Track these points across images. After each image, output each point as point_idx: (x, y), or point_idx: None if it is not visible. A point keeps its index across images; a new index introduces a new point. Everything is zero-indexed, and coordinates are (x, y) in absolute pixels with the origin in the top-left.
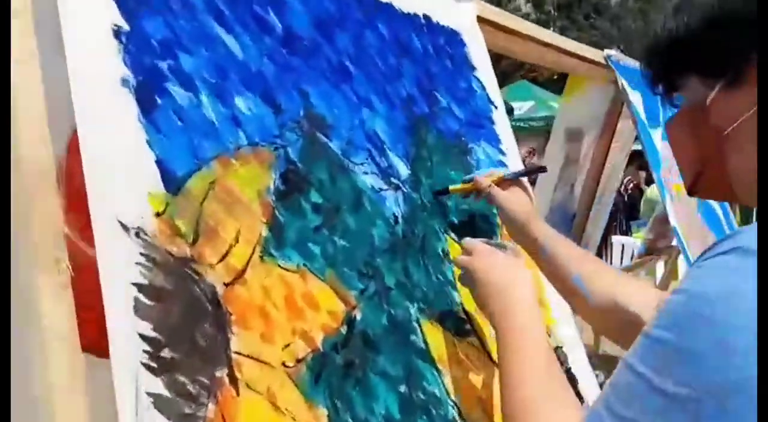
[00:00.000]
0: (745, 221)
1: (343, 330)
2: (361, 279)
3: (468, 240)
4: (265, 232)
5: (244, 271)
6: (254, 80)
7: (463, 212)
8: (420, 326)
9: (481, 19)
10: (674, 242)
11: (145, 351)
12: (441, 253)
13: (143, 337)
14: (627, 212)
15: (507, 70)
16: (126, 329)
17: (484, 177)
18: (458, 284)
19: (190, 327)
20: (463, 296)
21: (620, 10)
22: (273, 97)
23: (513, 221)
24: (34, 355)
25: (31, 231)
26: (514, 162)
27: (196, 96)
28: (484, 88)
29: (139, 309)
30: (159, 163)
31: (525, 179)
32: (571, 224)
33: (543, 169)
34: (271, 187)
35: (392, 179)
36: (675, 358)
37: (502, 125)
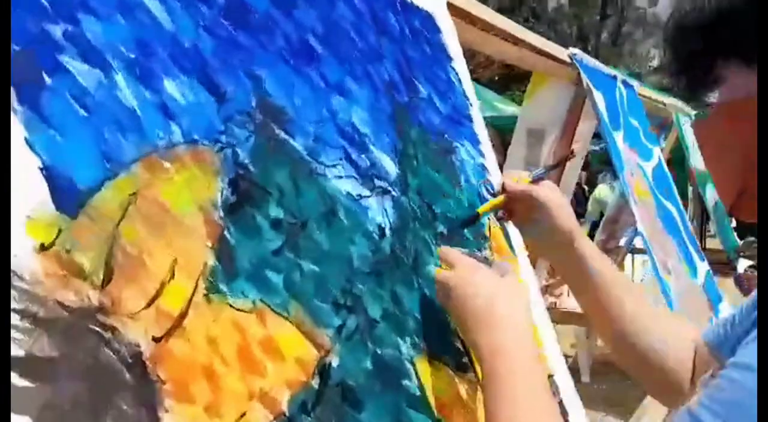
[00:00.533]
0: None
1: (315, 383)
2: (338, 313)
3: (448, 251)
4: (211, 260)
5: (183, 316)
6: (188, 59)
7: (451, 219)
8: (414, 366)
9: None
10: (621, 243)
11: None
12: (434, 272)
13: None
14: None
15: None
16: None
17: (511, 180)
18: None
19: (99, 412)
20: None
21: (556, 15)
22: (214, 82)
23: (555, 230)
24: None
25: None
26: (494, 166)
27: (108, 75)
28: (461, 82)
29: (12, 397)
30: (46, 170)
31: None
32: None
33: (572, 154)
34: (219, 199)
35: (377, 182)
36: None
37: (479, 125)
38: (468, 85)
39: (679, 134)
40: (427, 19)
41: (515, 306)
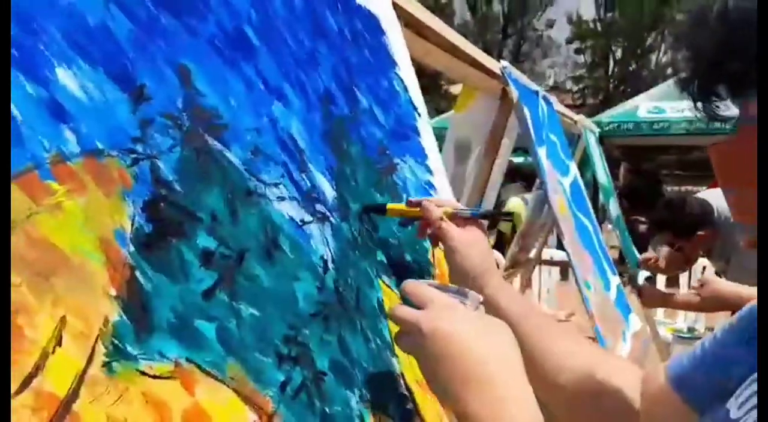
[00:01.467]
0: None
1: None
2: (281, 367)
3: (414, 285)
4: (114, 314)
5: (71, 401)
6: (92, 42)
7: (393, 246)
8: None
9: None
10: (531, 255)
11: None
12: (376, 306)
13: None
14: None
15: None
16: None
17: (434, 205)
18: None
19: None
20: (402, 362)
21: (463, 30)
22: (128, 74)
23: (465, 273)
24: None
25: None
26: (443, 184)
27: None
28: (406, 90)
29: None
30: None
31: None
32: None
33: (508, 215)
34: (127, 229)
35: (317, 206)
36: None
37: (428, 138)
38: (415, 93)
39: (587, 148)
40: (370, 20)
41: (507, 355)
